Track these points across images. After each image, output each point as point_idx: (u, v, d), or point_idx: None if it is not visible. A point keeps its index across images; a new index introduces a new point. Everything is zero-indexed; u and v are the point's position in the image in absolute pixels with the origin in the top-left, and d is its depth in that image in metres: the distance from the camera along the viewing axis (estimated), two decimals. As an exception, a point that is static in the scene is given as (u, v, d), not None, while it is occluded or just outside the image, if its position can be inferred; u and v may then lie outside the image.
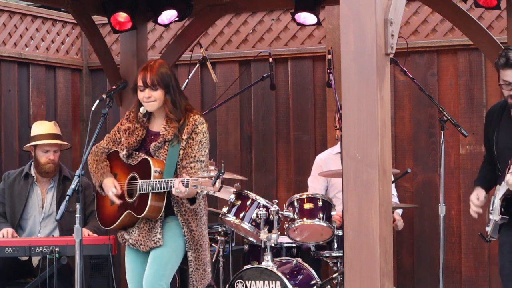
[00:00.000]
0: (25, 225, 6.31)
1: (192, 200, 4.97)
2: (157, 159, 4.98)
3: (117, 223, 5.09)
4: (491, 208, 5.12)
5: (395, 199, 6.89)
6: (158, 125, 5.09)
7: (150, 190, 4.89)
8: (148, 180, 4.91)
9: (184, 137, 4.97)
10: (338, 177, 6.19)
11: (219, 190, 4.72)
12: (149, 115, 5.12)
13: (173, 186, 4.80)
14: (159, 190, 4.88)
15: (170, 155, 4.96)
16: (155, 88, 4.98)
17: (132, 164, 5.06)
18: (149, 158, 4.97)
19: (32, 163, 6.36)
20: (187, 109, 5.07)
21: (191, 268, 5.06)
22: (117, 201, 5.04)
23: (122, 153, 5.07)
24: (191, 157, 4.95)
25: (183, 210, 5.01)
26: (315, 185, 6.83)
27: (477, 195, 5.12)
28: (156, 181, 4.88)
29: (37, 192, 6.33)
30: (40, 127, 6.36)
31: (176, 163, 4.95)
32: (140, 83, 5.01)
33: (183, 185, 4.75)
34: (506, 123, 5.05)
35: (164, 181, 4.86)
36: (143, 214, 4.95)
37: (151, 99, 4.99)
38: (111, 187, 5.04)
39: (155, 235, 4.99)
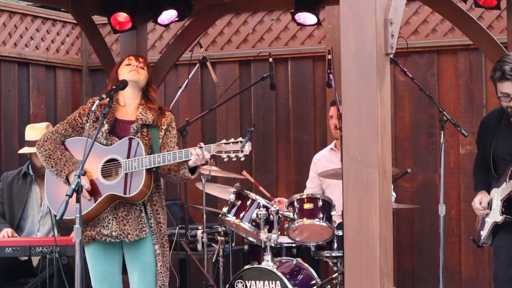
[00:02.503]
0: (24, 224, 6.32)
1: (193, 170, 4.91)
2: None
3: (89, 209, 4.84)
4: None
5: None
6: (128, 113, 5.03)
7: (146, 166, 4.77)
8: (142, 157, 4.78)
9: (163, 127, 4.99)
10: (338, 177, 6.19)
11: (248, 154, 4.67)
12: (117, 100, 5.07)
13: (191, 154, 4.71)
14: (162, 164, 4.77)
15: (153, 139, 4.92)
16: (142, 66, 5.08)
17: (107, 146, 4.91)
18: (136, 138, 4.88)
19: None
20: (159, 106, 5.12)
21: (160, 263, 4.91)
22: (88, 197, 4.82)
23: (104, 128, 4.92)
24: (170, 146, 4.98)
25: (154, 200, 4.93)
26: (310, 184, 6.94)
27: (480, 200, 5.11)
28: (156, 156, 4.77)
29: (36, 190, 6.34)
30: (33, 132, 6.29)
31: (159, 148, 4.94)
32: (127, 62, 5.09)
33: (207, 152, 4.71)
34: (506, 129, 5.05)
35: (171, 153, 4.76)
36: (135, 193, 4.79)
37: (137, 69, 5.04)
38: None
39: (145, 225, 4.89)
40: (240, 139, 4.67)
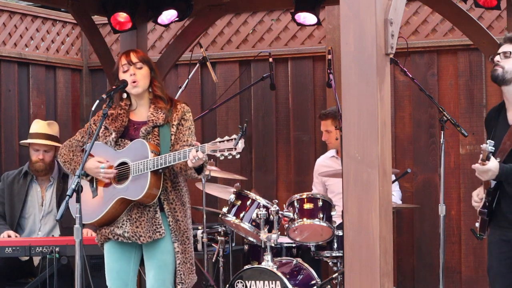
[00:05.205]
0: (24, 223, 6.32)
1: (199, 170, 4.83)
2: (150, 142, 4.88)
3: (104, 213, 4.88)
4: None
5: (398, 200, 6.91)
6: (141, 114, 5.00)
7: (150, 169, 4.75)
8: (147, 159, 4.77)
9: (175, 122, 4.92)
10: (338, 177, 6.20)
11: (241, 151, 4.60)
12: (129, 105, 5.03)
13: (187, 156, 4.65)
14: (165, 166, 4.74)
15: (162, 138, 4.89)
16: (140, 66, 4.94)
17: (119, 150, 4.92)
18: (142, 140, 4.86)
19: (30, 161, 6.40)
20: (170, 98, 5.05)
21: (178, 261, 4.89)
22: (112, 173, 4.85)
23: (111, 137, 4.92)
24: (183, 141, 4.90)
25: (170, 198, 4.91)
26: (315, 188, 7.00)
27: (478, 192, 5.12)
28: (158, 158, 4.73)
29: (37, 190, 6.34)
30: (36, 126, 6.41)
31: (169, 147, 4.88)
32: (123, 62, 4.95)
33: (202, 152, 4.63)
34: (501, 125, 5.08)
35: (171, 154, 4.72)
36: (141, 196, 4.77)
37: (136, 77, 4.90)
38: (98, 165, 4.85)
39: (160, 226, 4.86)
40: (234, 136, 4.62)
